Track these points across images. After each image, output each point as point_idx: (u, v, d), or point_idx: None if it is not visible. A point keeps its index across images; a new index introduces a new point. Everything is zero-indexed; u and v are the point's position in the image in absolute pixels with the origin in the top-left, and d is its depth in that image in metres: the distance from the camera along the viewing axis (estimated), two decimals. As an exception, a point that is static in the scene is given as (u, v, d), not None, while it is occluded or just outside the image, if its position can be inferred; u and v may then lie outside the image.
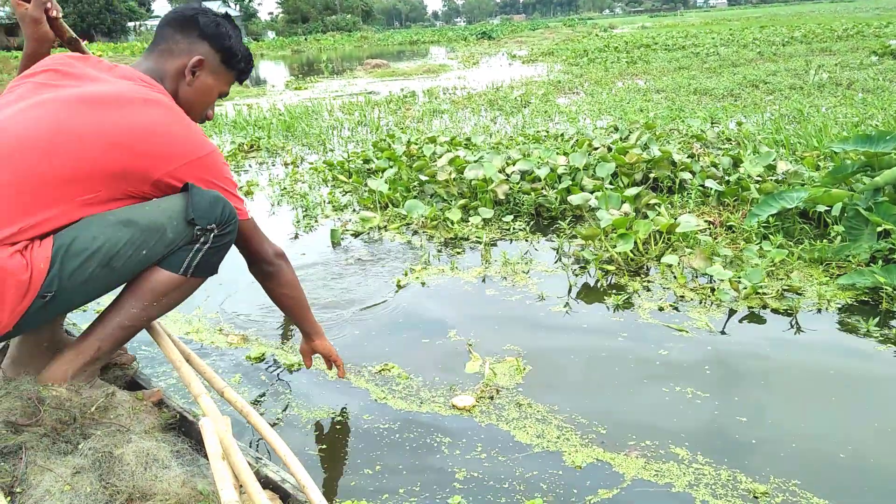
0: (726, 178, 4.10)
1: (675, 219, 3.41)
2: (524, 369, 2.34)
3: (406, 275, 3.30)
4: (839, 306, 2.65)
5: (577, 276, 3.15)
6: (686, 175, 4.21)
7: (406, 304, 2.98)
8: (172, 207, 1.61)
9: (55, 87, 1.62)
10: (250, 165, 6.38)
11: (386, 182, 4.54)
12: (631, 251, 3.19)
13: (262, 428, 1.65)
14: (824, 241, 3.12)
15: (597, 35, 28.85)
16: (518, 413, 2.09)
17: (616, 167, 4.15)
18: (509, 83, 12.14)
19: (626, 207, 3.54)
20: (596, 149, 4.72)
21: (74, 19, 45.42)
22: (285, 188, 5.24)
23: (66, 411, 1.49)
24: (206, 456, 1.50)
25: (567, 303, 2.87)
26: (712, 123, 6.28)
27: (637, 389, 2.18)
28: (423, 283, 3.19)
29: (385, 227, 4.12)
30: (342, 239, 3.96)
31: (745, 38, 18.22)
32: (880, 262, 2.82)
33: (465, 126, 7.73)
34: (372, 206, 4.52)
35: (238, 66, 1.88)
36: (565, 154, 4.81)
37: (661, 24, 41.49)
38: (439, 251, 3.64)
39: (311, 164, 6.08)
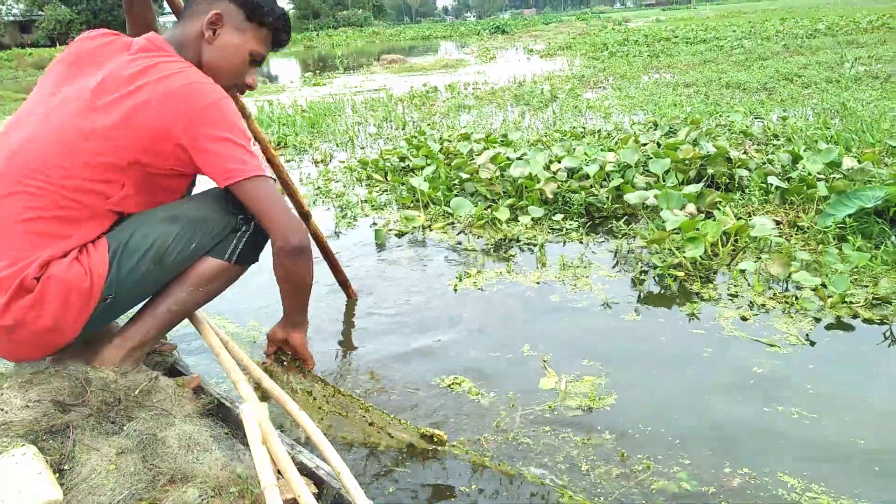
0: (786, 175, 3.91)
1: (746, 220, 3.22)
2: (605, 390, 2.17)
3: (461, 279, 3.14)
4: (937, 315, 2.47)
5: (642, 281, 2.98)
6: (742, 172, 4.03)
7: (466, 312, 2.82)
8: (214, 199, 1.69)
9: (67, 85, 1.62)
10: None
11: (426, 180, 4.37)
12: (700, 256, 3.02)
13: (298, 416, 1.64)
14: (910, 244, 2.93)
15: (613, 29, 28.51)
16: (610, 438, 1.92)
17: (671, 164, 3.95)
18: (531, 78, 11.94)
19: (691, 207, 3.36)
20: (644, 145, 4.54)
21: (88, 16, 45.55)
22: (319, 188, 5.09)
23: (112, 393, 1.53)
24: (243, 441, 1.52)
25: (638, 311, 2.70)
26: (756, 118, 6.07)
27: (733, 410, 2.01)
28: (480, 288, 3.03)
29: (429, 226, 3.96)
30: (387, 239, 3.81)
31: (766, 30, 17.89)
32: (976, 266, 2.63)
33: (493, 121, 7.55)
34: (412, 205, 4.36)
35: (267, 21, 1.74)
36: (611, 150, 4.63)
37: (675, 17, 40.97)
38: (490, 252, 3.48)
39: (343, 162, 5.93)
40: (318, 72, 17.28)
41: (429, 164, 4.91)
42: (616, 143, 4.87)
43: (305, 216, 2.56)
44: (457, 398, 2.16)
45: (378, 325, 2.74)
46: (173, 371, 1.97)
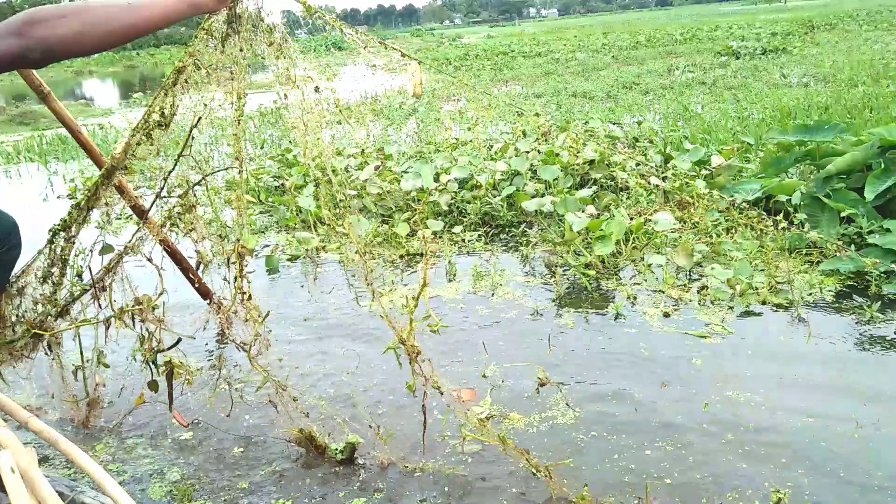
0: (662, 175, 4.12)
1: (645, 218, 3.33)
2: (570, 399, 2.11)
3: (373, 301, 2.95)
4: (832, 292, 2.66)
5: (562, 285, 2.97)
6: (622, 174, 4.19)
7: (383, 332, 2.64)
8: None
9: None
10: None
11: (315, 199, 4.12)
12: (608, 254, 3.07)
13: (74, 454, 1.52)
14: (790, 230, 3.16)
15: (450, 44, 29.34)
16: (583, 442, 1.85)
17: (560, 170, 4.02)
18: (383, 93, 11.89)
19: (591, 209, 3.42)
20: (527, 152, 4.59)
21: None
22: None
23: None
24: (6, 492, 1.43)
25: (567, 315, 2.67)
26: (613, 123, 6.41)
27: (682, 405, 2.02)
28: (390, 308, 2.87)
29: (324, 247, 3.72)
30: (279, 264, 3.53)
31: (593, 44, 19.24)
32: (852, 246, 2.88)
33: (357, 136, 7.38)
34: (298, 227, 4.10)
35: None
36: (493, 159, 4.65)
37: (503, 33, 43.05)
38: (395, 269, 3.32)
39: (203, 184, 5.47)
40: (147, 92, 16.08)
41: (307, 183, 4.65)
42: (496, 153, 4.90)
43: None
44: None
45: (299, 356, 2.49)
46: None
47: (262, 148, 7.10)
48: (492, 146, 5.51)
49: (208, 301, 2.70)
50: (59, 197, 5.63)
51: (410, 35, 45.20)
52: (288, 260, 3.61)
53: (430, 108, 9.06)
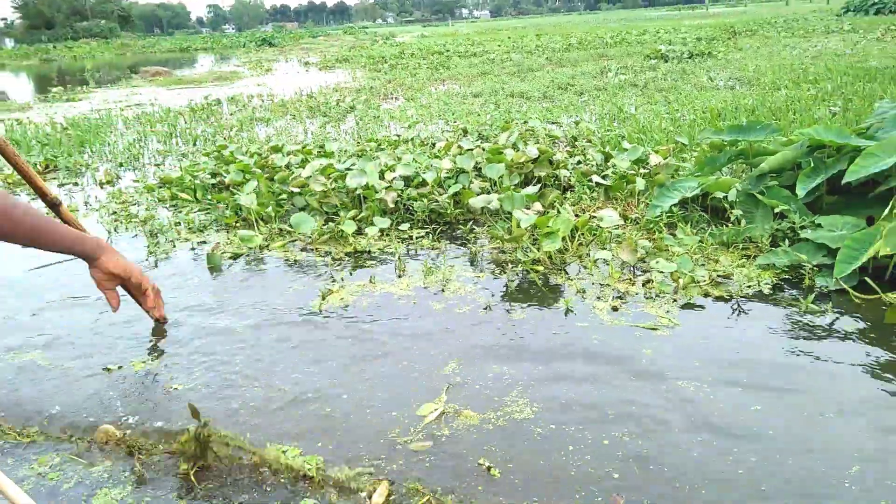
0: (602, 173, 4.21)
1: (590, 215, 3.39)
2: (524, 392, 2.12)
3: (325, 297, 2.90)
4: (768, 285, 2.78)
5: (511, 280, 2.99)
6: (564, 172, 4.27)
7: (335, 331, 2.60)
8: None
9: None
10: (51, 189, 5.35)
11: (256, 195, 4.01)
12: (555, 250, 3.11)
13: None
14: (727, 225, 3.29)
15: (384, 43, 29.17)
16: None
17: (505, 168, 4.05)
18: (318, 89, 11.72)
19: (538, 206, 3.46)
20: (470, 150, 4.61)
21: None
22: (116, 212, 4.44)
23: None
24: None
25: (518, 310, 2.69)
26: (551, 123, 6.51)
27: (642, 395, 2.07)
28: (347, 305, 2.82)
29: (267, 245, 3.63)
30: (221, 263, 3.42)
31: (527, 45, 19.53)
32: (785, 241, 3.02)
33: (295, 133, 7.25)
34: (238, 225, 3.99)
35: None
36: (437, 157, 4.65)
37: (436, 32, 43.16)
38: (345, 267, 3.27)
39: (138, 181, 5.27)
40: (65, 87, 15.32)
41: (247, 180, 4.53)
42: (440, 151, 4.90)
43: (54, 204, 2.46)
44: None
45: (250, 357, 2.41)
46: None
47: (194, 144, 6.87)
48: (434, 144, 5.52)
49: None
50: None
51: (343, 32, 44.70)
52: (230, 258, 3.50)
53: (368, 106, 8.98)
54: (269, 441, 1.90)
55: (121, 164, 6.04)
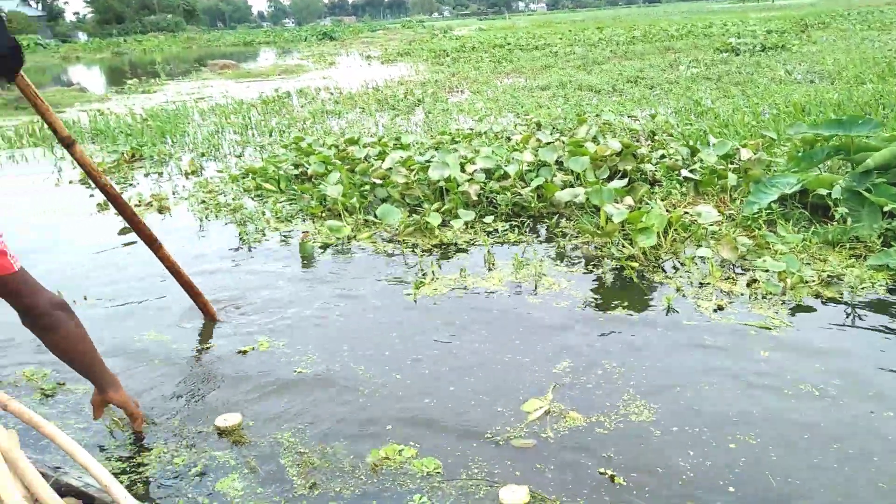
0: (689, 167, 4.11)
1: (684, 211, 3.31)
2: (643, 393, 2.08)
3: (417, 288, 2.92)
4: (883, 287, 2.66)
5: (606, 276, 2.94)
6: (648, 166, 4.18)
7: (450, 324, 2.60)
8: None
9: None
10: (138, 177, 5.54)
11: (343, 186, 4.06)
12: (650, 246, 3.05)
13: (57, 437, 1.54)
14: (831, 223, 3.16)
15: (444, 36, 29.16)
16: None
17: (590, 161, 4.00)
18: (384, 83, 11.80)
19: (629, 201, 3.40)
20: (549, 143, 4.56)
21: None
22: (205, 201, 4.56)
23: None
24: None
25: (618, 306, 2.65)
26: (628, 116, 6.39)
27: (765, 396, 2.00)
28: (436, 298, 2.83)
29: (354, 236, 3.67)
30: (313, 252, 3.48)
31: (589, 38, 19.22)
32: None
33: (366, 126, 7.31)
34: (323, 215, 4.04)
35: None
36: (515, 150, 4.62)
37: (494, 26, 42.94)
38: (433, 259, 3.28)
39: (222, 172, 5.40)
40: (142, 79, 15.85)
41: (329, 171, 4.59)
42: (518, 143, 4.87)
43: (68, 143, 2.36)
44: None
45: (365, 336, 2.44)
46: None
47: (270, 136, 7.00)
48: (509, 137, 5.49)
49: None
50: (70, 182, 5.51)
51: (401, 26, 44.93)
52: (320, 247, 3.55)
53: (435, 99, 8.98)
54: (378, 433, 1.92)
55: (202, 154, 6.21)
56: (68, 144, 2.35)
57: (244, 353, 2.46)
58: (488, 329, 2.53)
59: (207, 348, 2.51)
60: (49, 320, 1.70)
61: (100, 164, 5.75)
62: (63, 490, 1.41)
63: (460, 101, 8.89)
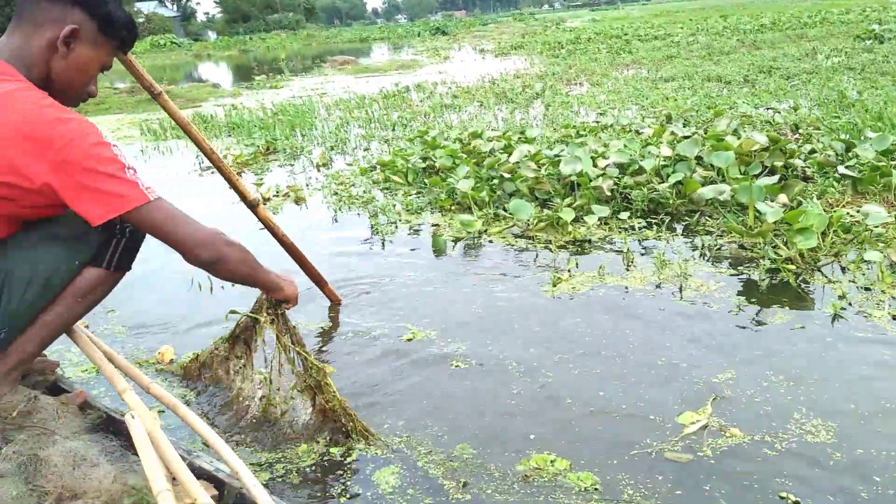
0: (844, 163, 3.80)
1: (845, 210, 3.07)
2: (813, 413, 1.94)
3: (554, 284, 2.87)
4: None
5: (761, 279, 2.77)
6: (797, 162, 3.91)
7: (593, 323, 2.54)
8: None
9: None
10: (273, 168, 5.80)
11: (474, 180, 4.06)
12: (808, 248, 2.84)
13: (190, 419, 1.61)
14: None
15: (558, 28, 28.74)
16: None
17: (735, 156, 3.78)
18: (500, 76, 11.76)
19: (783, 198, 3.19)
20: (686, 137, 4.36)
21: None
22: (337, 193, 4.71)
23: None
24: (136, 453, 1.49)
25: (777, 312, 2.49)
26: (767, 108, 6.03)
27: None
28: (574, 294, 2.76)
29: (485, 230, 3.67)
30: (445, 246, 3.50)
31: (713, 27, 18.33)
32: None
33: (484, 120, 7.30)
34: (453, 209, 4.06)
35: (119, 35, 1.65)
36: (649, 144, 4.45)
37: (607, 17, 41.84)
38: (566, 256, 3.22)
39: (351, 165, 5.56)
40: (268, 75, 16.64)
41: (456, 164, 4.61)
42: (651, 137, 4.69)
43: (252, 205, 2.39)
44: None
45: (503, 332, 2.43)
46: (56, 389, 1.90)
47: (393, 130, 7.14)
48: (638, 131, 5.31)
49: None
50: (212, 172, 5.85)
51: (513, 19, 44.68)
52: (452, 241, 3.57)
53: (554, 92, 8.85)
54: (526, 438, 1.89)
55: (331, 148, 6.42)
56: (253, 207, 2.39)
57: (409, 340, 2.49)
58: (635, 331, 2.44)
59: (360, 334, 2.57)
60: (207, 254, 1.60)
61: (238, 156, 6.07)
62: (196, 473, 1.47)
63: (580, 93, 8.71)
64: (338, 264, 3.35)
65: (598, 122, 5.93)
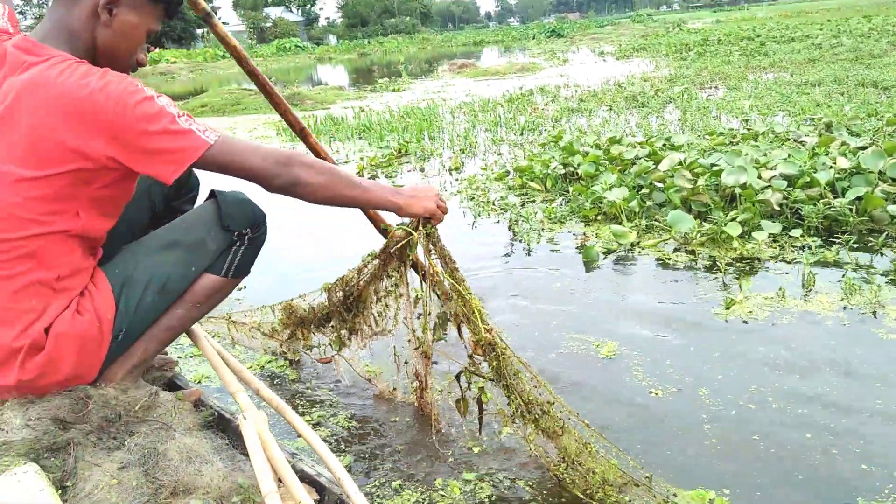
0: None
1: None
2: None
3: (728, 307, 2.65)
4: None
5: (971, 312, 2.44)
6: None
7: (778, 352, 2.32)
8: (207, 218, 1.68)
9: None
10: (404, 171, 5.84)
11: (624, 190, 3.88)
12: None
13: (297, 424, 1.65)
14: None
15: (677, 30, 27.66)
16: None
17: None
18: (625, 79, 11.38)
19: None
20: (863, 148, 3.98)
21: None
22: (474, 197, 4.65)
23: (112, 409, 1.53)
24: (243, 451, 1.56)
25: None
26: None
27: None
28: (754, 319, 2.53)
29: (638, 242, 3.48)
30: (597, 258, 3.35)
31: (856, 28, 16.99)
32: None
33: (616, 124, 7.04)
34: (599, 219, 3.90)
35: None
36: (817, 154, 4.09)
37: (731, 18, 39.87)
38: (734, 274, 2.98)
39: (485, 169, 5.49)
40: (392, 78, 16.99)
41: (599, 172, 4.44)
42: (818, 147, 4.32)
43: (304, 135, 2.25)
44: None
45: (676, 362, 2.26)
46: (173, 385, 1.99)
47: (521, 134, 7.03)
48: (798, 139, 4.93)
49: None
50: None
51: (631, 21, 43.44)
52: (603, 253, 3.41)
53: (690, 96, 8.44)
54: (704, 482, 1.72)
55: (461, 151, 6.39)
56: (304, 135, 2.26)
57: (609, 358, 2.39)
58: (834, 367, 2.20)
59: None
60: (286, 179, 1.51)
61: (373, 158, 6.16)
62: (299, 476, 1.48)
63: (716, 98, 8.25)
64: (482, 273, 3.28)
65: (748, 129, 5.56)
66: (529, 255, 3.53)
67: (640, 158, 4.71)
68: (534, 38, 35.41)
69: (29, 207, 1.40)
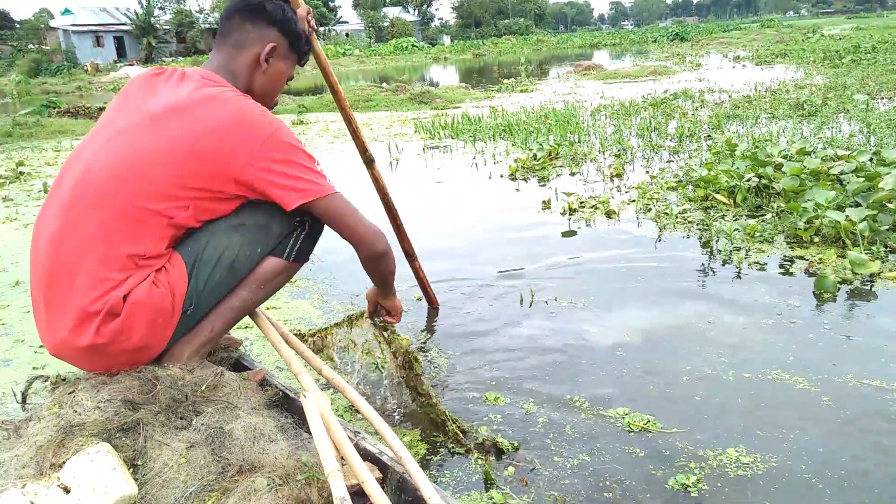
0: None
1: None
2: None
3: None
4: None
5: None
6: None
7: None
8: (271, 203, 1.69)
9: (128, 112, 1.67)
10: (557, 176, 5.47)
11: (861, 211, 3.35)
12: None
13: (359, 403, 1.66)
14: None
15: (817, 37, 25.78)
16: None
17: None
18: (777, 85, 10.52)
19: None
20: None
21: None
22: (651, 208, 4.23)
23: (180, 389, 1.54)
24: (307, 430, 1.59)
25: None
26: None
27: None
28: None
29: (879, 273, 2.96)
30: (836, 289, 2.86)
31: None
32: None
33: (783, 132, 6.37)
34: (815, 242, 3.39)
35: (302, 49, 1.90)
36: None
37: (869, 25, 36.98)
38: None
39: (654, 178, 5.04)
40: (517, 79, 16.67)
41: (805, 187, 3.91)
42: None
43: (369, 161, 2.53)
44: None
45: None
46: (238, 366, 2.01)
47: (679, 141, 6.50)
48: None
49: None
50: (501, 176, 5.67)
51: (760, 26, 41.16)
52: (839, 283, 2.92)
53: (867, 105, 7.59)
54: None
55: (617, 156, 5.96)
56: (369, 162, 2.52)
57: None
58: None
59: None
60: (381, 246, 1.79)
61: (525, 160, 5.85)
62: (361, 454, 1.49)
63: (890, 108, 7.37)
64: (680, 295, 2.87)
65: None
66: (740, 276, 3.08)
67: (846, 174, 4.14)
68: (655, 42, 34.15)
69: (160, 189, 1.56)
